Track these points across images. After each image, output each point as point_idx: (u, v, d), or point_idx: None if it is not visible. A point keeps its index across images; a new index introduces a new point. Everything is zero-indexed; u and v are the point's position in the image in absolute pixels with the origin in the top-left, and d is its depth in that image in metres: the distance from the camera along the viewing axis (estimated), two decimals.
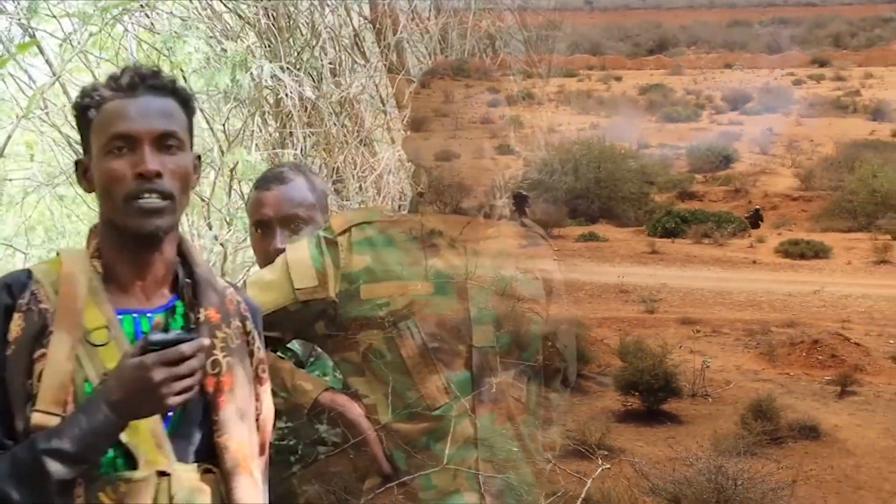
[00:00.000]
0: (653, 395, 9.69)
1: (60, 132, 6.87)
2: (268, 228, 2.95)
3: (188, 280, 2.07)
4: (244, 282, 3.13)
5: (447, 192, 2.89)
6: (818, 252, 21.54)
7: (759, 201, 29.29)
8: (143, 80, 2.00)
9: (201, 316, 2.04)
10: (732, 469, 6.75)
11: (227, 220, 6.98)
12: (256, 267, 3.20)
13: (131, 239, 1.99)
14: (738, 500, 6.59)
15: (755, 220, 25.78)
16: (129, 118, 1.95)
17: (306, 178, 3.09)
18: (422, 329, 2.68)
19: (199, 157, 2.12)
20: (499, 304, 2.79)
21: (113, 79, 2.01)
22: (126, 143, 1.94)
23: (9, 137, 6.14)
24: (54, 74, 6.21)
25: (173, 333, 1.91)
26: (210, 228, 7.04)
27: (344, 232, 2.74)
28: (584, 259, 19.41)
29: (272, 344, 2.65)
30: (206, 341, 1.93)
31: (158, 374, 1.81)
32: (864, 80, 54.56)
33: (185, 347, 1.84)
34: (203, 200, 6.87)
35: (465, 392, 2.70)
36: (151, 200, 1.93)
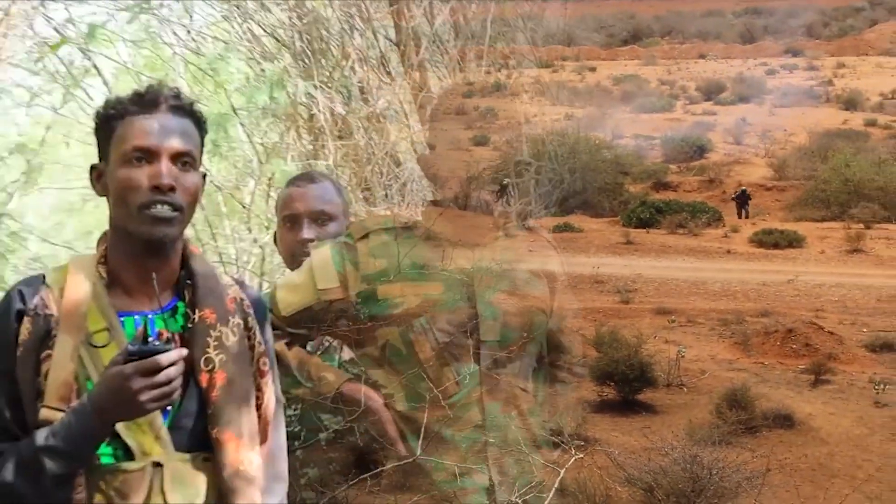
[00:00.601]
0: (628, 385, 9.71)
1: None
2: (296, 222, 3.15)
3: (188, 282, 2.18)
4: (276, 283, 3.35)
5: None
6: (792, 241, 21.67)
7: (733, 191, 29.42)
8: (166, 100, 2.10)
9: (196, 317, 2.14)
10: (707, 458, 6.77)
11: (266, 225, 7.45)
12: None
13: (139, 245, 2.10)
14: (712, 488, 6.61)
15: (744, 200, 25.57)
16: (151, 133, 2.07)
17: (333, 183, 3.33)
18: (434, 326, 2.85)
19: (204, 176, 2.22)
20: (505, 301, 2.95)
21: (137, 95, 2.11)
22: (145, 155, 2.06)
23: (48, 129, 6.75)
24: (110, 93, 6.67)
25: (151, 344, 1.98)
26: (250, 232, 7.58)
27: (363, 237, 2.95)
28: (560, 250, 19.45)
29: (301, 339, 2.89)
30: (184, 352, 2.01)
31: (137, 383, 1.91)
32: (836, 69, 54.91)
33: (162, 358, 1.93)
34: (244, 207, 7.52)
35: (474, 383, 2.87)
36: (163, 210, 2.05)
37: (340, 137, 7.62)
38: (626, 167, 31.72)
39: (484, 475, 2.85)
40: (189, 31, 7.46)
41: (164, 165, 2.05)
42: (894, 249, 20.98)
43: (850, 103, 46.05)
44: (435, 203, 3.18)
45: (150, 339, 2.02)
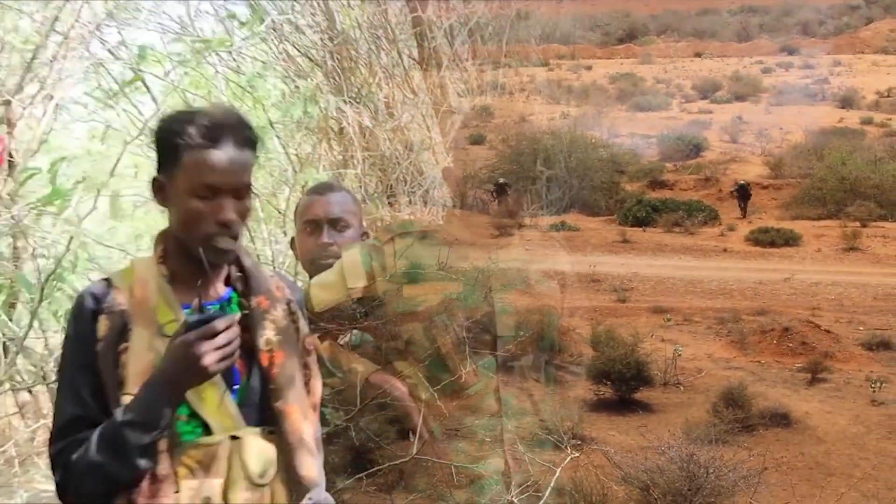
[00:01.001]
0: (625, 384, 9.70)
1: None
2: (317, 227, 3.37)
3: (239, 274, 2.43)
4: (310, 282, 3.52)
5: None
6: (788, 240, 21.67)
7: (729, 190, 29.43)
8: (230, 132, 2.31)
9: (253, 303, 2.40)
10: (704, 457, 6.77)
11: None
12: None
13: (198, 260, 2.33)
14: (709, 487, 6.61)
15: (744, 194, 25.16)
16: (215, 171, 2.28)
17: (349, 192, 3.57)
18: (454, 321, 3.04)
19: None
20: (519, 299, 3.18)
21: (203, 127, 2.30)
22: (210, 192, 2.28)
23: (118, 160, 7.30)
24: (158, 109, 7.42)
25: (206, 313, 2.23)
26: (285, 235, 8.01)
27: (389, 241, 3.15)
28: (556, 248, 19.45)
29: (333, 334, 3.15)
30: (237, 316, 2.25)
31: (199, 348, 2.16)
32: (832, 67, 54.93)
33: (219, 322, 2.18)
34: (279, 213, 8.08)
35: (490, 372, 3.13)
36: (226, 242, 2.31)
37: (367, 148, 8.04)
38: (623, 166, 31.71)
39: (500, 459, 3.10)
40: (230, 52, 8.00)
41: (227, 202, 2.30)
42: (891, 247, 20.99)
43: (847, 101, 46.07)
44: (451, 209, 3.40)
45: (205, 309, 2.27)
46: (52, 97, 7.05)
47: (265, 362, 2.38)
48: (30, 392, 10.07)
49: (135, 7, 7.86)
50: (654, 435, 8.32)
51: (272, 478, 2.36)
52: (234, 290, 2.43)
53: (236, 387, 2.37)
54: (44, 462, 7.72)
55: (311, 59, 8.82)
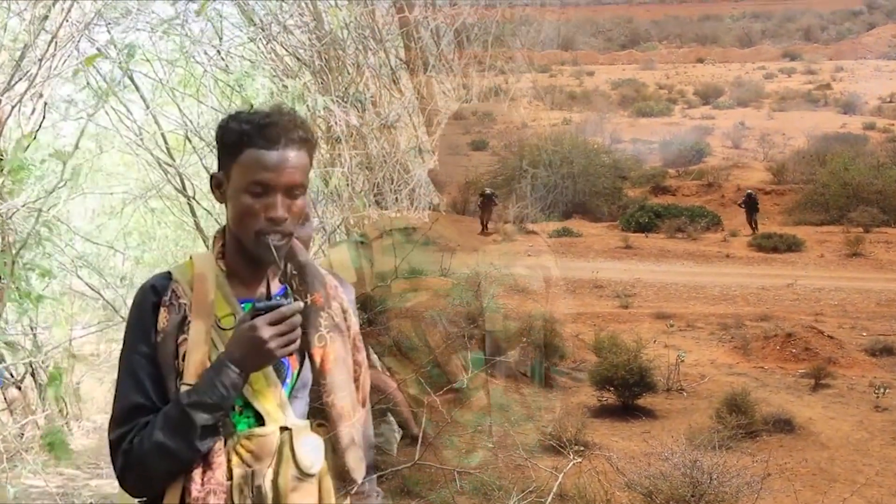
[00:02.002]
0: (628, 390, 9.69)
1: (152, 154, 8.28)
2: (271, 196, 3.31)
3: (294, 272, 2.51)
4: None
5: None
6: (791, 245, 21.63)
7: (732, 195, 29.37)
8: (286, 133, 2.39)
9: (308, 300, 2.48)
10: (707, 463, 6.77)
11: None
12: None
13: (254, 256, 2.44)
14: (712, 493, 6.60)
15: (752, 205, 24.43)
16: (269, 169, 2.37)
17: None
18: (443, 317, 3.10)
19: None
20: (507, 295, 3.21)
21: (261, 126, 2.39)
22: (263, 188, 2.38)
23: (82, 131, 7.55)
24: (147, 108, 7.66)
25: (275, 300, 2.34)
26: None
27: (377, 238, 3.18)
28: (559, 254, 19.44)
29: None
30: (302, 305, 2.36)
31: (266, 332, 2.27)
32: (834, 73, 54.88)
33: (286, 309, 2.29)
34: None
35: (479, 367, 3.16)
36: (275, 239, 2.39)
37: (355, 147, 8.08)
38: (625, 171, 31.65)
39: (489, 451, 3.08)
40: (219, 52, 8.10)
41: (279, 199, 2.38)
42: (894, 253, 20.95)
43: (849, 107, 46.00)
44: (436, 210, 3.40)
45: (273, 296, 2.41)
46: (41, 95, 7.09)
47: (317, 357, 2.47)
48: (18, 388, 10.09)
49: (123, 6, 7.90)
50: (657, 441, 8.33)
51: (320, 469, 2.44)
52: (290, 286, 2.52)
53: (287, 380, 2.47)
54: (31, 457, 7.74)
55: (298, 59, 8.92)
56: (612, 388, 9.75)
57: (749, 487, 6.73)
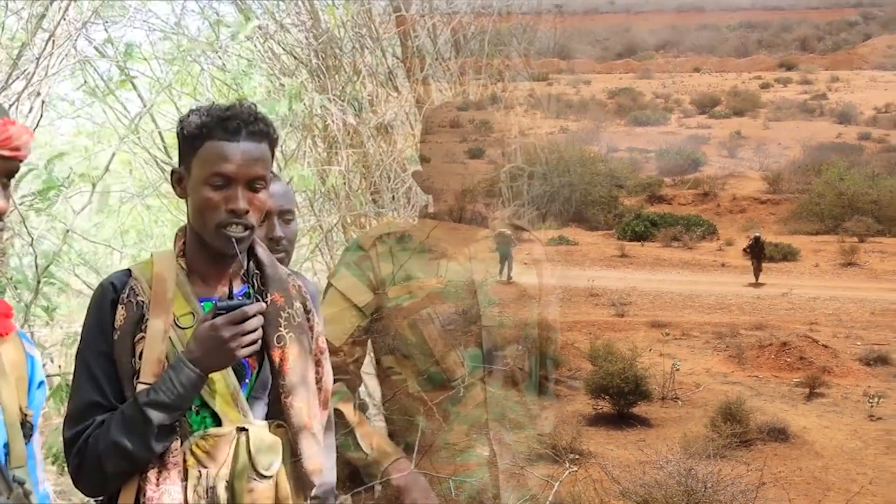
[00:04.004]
0: (623, 399, 9.71)
1: (149, 153, 8.40)
2: (267, 220, 3.27)
3: (256, 271, 2.49)
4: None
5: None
6: (786, 255, 21.67)
7: (727, 204, 29.47)
8: (246, 126, 2.37)
9: (269, 299, 2.42)
10: (702, 472, 6.78)
11: None
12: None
13: (215, 251, 2.39)
14: (707, 502, 6.61)
15: (759, 250, 21.68)
16: (230, 161, 2.35)
17: (288, 182, 3.50)
18: (439, 315, 3.10)
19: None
20: (500, 290, 3.23)
21: (221, 119, 2.37)
22: (224, 180, 2.34)
23: (113, 155, 7.23)
24: (145, 107, 7.48)
25: (237, 300, 2.33)
26: None
27: (372, 245, 3.15)
28: (555, 263, 19.44)
29: (356, 367, 3.18)
30: (264, 305, 2.32)
31: (227, 332, 2.23)
32: (830, 83, 55.01)
33: (248, 308, 2.25)
34: None
35: (477, 363, 3.14)
36: (237, 231, 2.35)
37: (352, 146, 8.14)
38: (621, 180, 31.71)
39: (485, 448, 3.13)
40: (216, 50, 8.12)
41: (240, 191, 2.34)
42: (888, 263, 21.01)
43: (844, 117, 46.10)
44: (428, 215, 3.39)
45: (234, 296, 2.38)
46: (38, 94, 7.13)
47: (276, 357, 2.42)
48: None
49: (121, 5, 7.97)
50: (652, 449, 8.33)
51: (278, 470, 2.40)
52: (251, 285, 2.48)
53: (246, 381, 2.42)
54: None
55: (295, 58, 8.97)
56: (607, 397, 9.77)
57: (744, 496, 6.75)
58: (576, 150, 29.70)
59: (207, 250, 2.41)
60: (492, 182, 3.43)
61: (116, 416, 2.30)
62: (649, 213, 27.46)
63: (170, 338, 2.35)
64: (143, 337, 2.35)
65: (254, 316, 2.26)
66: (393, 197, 8.42)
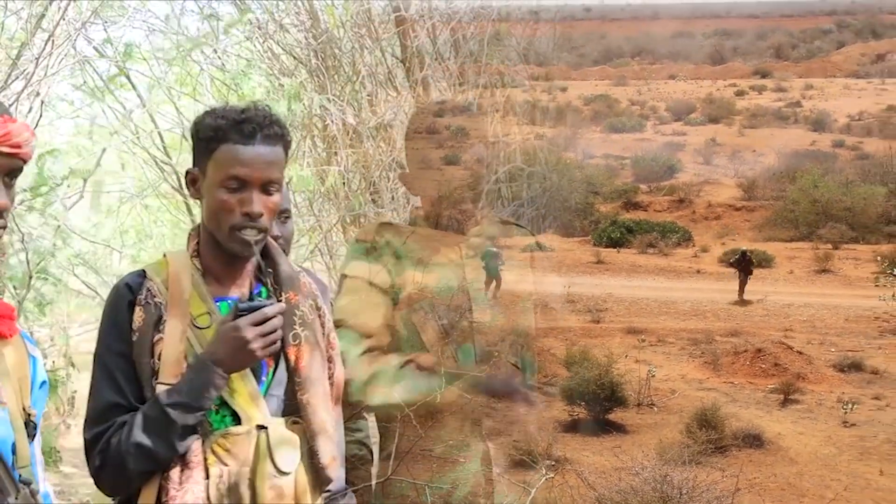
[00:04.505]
0: (599, 405, 9.71)
1: (148, 153, 8.24)
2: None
3: (270, 271, 2.52)
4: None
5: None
6: (761, 261, 21.69)
7: (702, 211, 29.52)
8: (261, 129, 2.41)
9: (283, 298, 2.48)
10: (678, 478, 6.79)
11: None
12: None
13: (229, 252, 2.45)
14: None
15: (746, 265, 20.78)
16: (244, 164, 2.38)
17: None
18: (433, 309, 3.11)
19: (288, 182, 2.47)
20: (490, 285, 3.35)
21: (236, 122, 2.40)
22: (238, 183, 2.39)
23: (104, 151, 7.56)
24: (144, 106, 7.69)
25: (257, 301, 2.37)
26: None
27: (374, 236, 3.22)
28: (531, 269, 19.42)
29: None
30: (284, 306, 2.40)
31: (249, 333, 2.29)
32: (804, 91, 55.24)
33: (268, 310, 2.32)
34: None
35: (469, 358, 3.24)
36: (251, 234, 2.40)
37: (351, 146, 8.16)
38: (597, 187, 31.77)
39: (480, 442, 3.25)
40: (215, 50, 8.14)
41: (255, 194, 2.39)
42: (862, 270, 21.11)
43: (818, 124, 46.23)
44: (418, 217, 3.46)
45: (254, 297, 2.44)
46: (38, 94, 7.10)
47: (292, 356, 2.47)
48: None
49: (120, 5, 7.92)
50: (627, 456, 8.35)
51: (296, 466, 2.45)
52: (263, 284, 2.53)
53: (263, 379, 2.47)
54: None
55: (295, 58, 9.01)
56: (583, 403, 9.77)
57: (719, 502, 6.76)
58: (552, 156, 29.76)
59: (222, 251, 2.46)
60: (469, 187, 3.48)
61: (138, 417, 2.33)
62: (625, 219, 27.49)
63: (187, 338, 2.40)
64: (161, 338, 2.38)
65: (274, 317, 2.33)
66: (392, 197, 8.42)
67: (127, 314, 2.41)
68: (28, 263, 6.42)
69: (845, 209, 26.96)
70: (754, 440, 9.15)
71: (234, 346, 2.29)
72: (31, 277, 6.37)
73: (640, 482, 6.84)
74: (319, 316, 2.59)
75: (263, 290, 2.54)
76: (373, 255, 3.21)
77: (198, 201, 2.53)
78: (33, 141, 2.26)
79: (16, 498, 2.13)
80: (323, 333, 2.59)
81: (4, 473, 2.13)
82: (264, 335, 2.30)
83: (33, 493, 2.22)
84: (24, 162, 2.24)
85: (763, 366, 12.02)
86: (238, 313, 2.31)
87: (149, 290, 2.42)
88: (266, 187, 2.40)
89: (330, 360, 2.62)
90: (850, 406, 10.19)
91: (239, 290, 2.51)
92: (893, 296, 15.28)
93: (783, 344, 12.78)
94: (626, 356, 12.07)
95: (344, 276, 3.23)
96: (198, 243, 2.52)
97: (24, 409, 2.30)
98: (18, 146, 2.17)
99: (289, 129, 2.52)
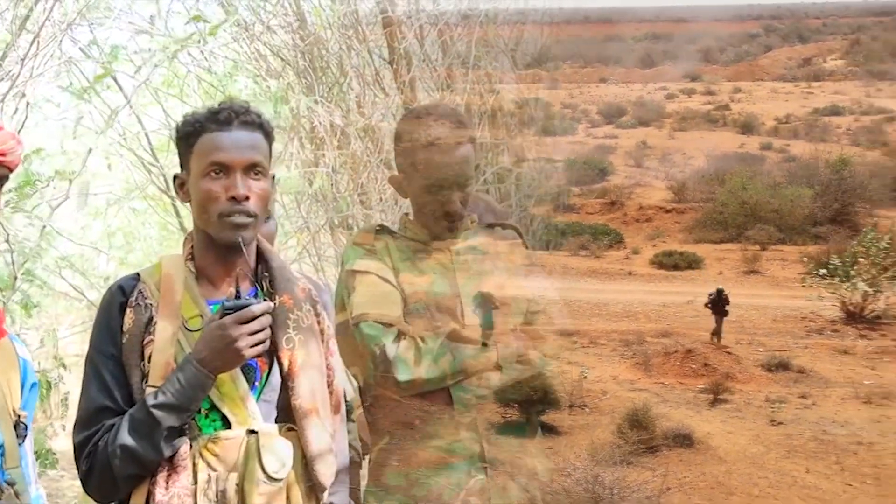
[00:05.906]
0: (531, 407, 9.77)
1: (136, 155, 8.22)
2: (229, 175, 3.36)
3: (265, 273, 2.50)
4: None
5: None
6: (691, 263, 21.96)
7: (634, 213, 29.77)
8: (237, 116, 2.41)
9: (277, 301, 2.44)
10: (609, 478, 6.86)
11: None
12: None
13: (221, 246, 2.41)
14: None
15: (721, 306, 17.66)
16: (225, 149, 2.38)
17: None
18: (426, 310, 3.19)
19: (273, 177, 2.53)
20: (482, 287, 3.44)
21: (213, 113, 2.41)
22: (222, 169, 2.38)
23: (90, 151, 7.41)
24: (130, 107, 7.62)
25: (244, 299, 2.31)
26: None
27: (372, 238, 3.28)
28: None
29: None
30: (272, 304, 2.35)
31: (235, 331, 2.24)
32: (733, 94, 56.01)
33: (255, 308, 2.27)
34: None
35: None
36: (240, 218, 2.36)
37: (339, 147, 8.12)
38: (529, 190, 31.93)
39: (476, 443, 3.39)
40: (202, 52, 8.05)
41: (239, 178, 2.37)
42: (789, 270, 21.43)
43: (747, 127, 46.93)
44: (408, 220, 3.48)
45: (241, 295, 2.34)
46: (23, 95, 7.02)
47: (285, 360, 2.42)
48: None
49: (106, 6, 7.85)
50: (560, 457, 8.40)
51: (289, 474, 2.39)
52: (259, 287, 2.49)
53: (256, 383, 2.43)
54: None
55: (282, 59, 8.96)
56: (515, 405, 9.83)
57: (649, 501, 6.84)
58: (486, 159, 29.83)
59: (215, 250, 2.44)
60: (459, 187, 3.53)
61: (125, 419, 2.30)
62: (557, 221, 27.67)
63: (178, 341, 2.36)
64: (151, 340, 2.36)
65: (261, 315, 2.28)
66: (380, 198, 8.40)
67: (118, 317, 2.40)
68: (13, 265, 6.35)
69: (773, 211, 27.34)
70: (684, 440, 9.26)
71: (220, 344, 2.26)
72: (16, 279, 6.29)
73: (571, 483, 6.90)
74: (318, 321, 2.57)
75: (259, 293, 2.51)
76: (372, 259, 3.22)
77: (187, 204, 2.53)
78: (20, 149, 2.26)
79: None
80: (322, 340, 2.57)
81: None
82: (251, 334, 2.26)
83: (17, 494, 2.22)
84: (10, 170, 2.24)
85: (693, 366, 12.17)
86: (224, 312, 2.27)
87: (141, 292, 2.41)
88: (249, 171, 2.39)
89: (329, 367, 2.59)
90: (777, 405, 10.36)
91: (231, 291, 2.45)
92: (819, 296, 15.52)
93: (713, 344, 12.94)
94: (559, 358, 12.15)
95: (353, 273, 3.18)
96: (192, 247, 2.51)
97: (14, 411, 2.31)
98: (3, 154, 2.19)
99: (269, 122, 2.53)
